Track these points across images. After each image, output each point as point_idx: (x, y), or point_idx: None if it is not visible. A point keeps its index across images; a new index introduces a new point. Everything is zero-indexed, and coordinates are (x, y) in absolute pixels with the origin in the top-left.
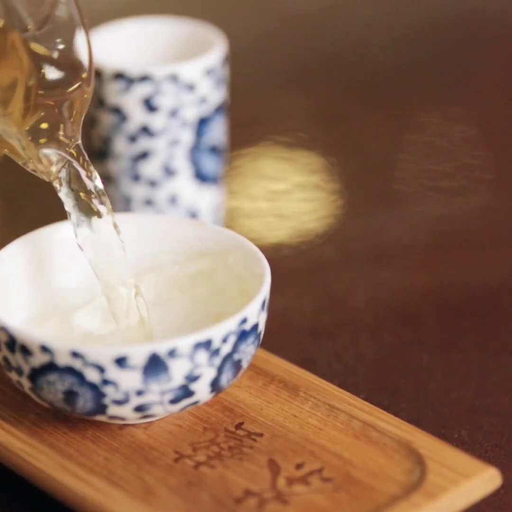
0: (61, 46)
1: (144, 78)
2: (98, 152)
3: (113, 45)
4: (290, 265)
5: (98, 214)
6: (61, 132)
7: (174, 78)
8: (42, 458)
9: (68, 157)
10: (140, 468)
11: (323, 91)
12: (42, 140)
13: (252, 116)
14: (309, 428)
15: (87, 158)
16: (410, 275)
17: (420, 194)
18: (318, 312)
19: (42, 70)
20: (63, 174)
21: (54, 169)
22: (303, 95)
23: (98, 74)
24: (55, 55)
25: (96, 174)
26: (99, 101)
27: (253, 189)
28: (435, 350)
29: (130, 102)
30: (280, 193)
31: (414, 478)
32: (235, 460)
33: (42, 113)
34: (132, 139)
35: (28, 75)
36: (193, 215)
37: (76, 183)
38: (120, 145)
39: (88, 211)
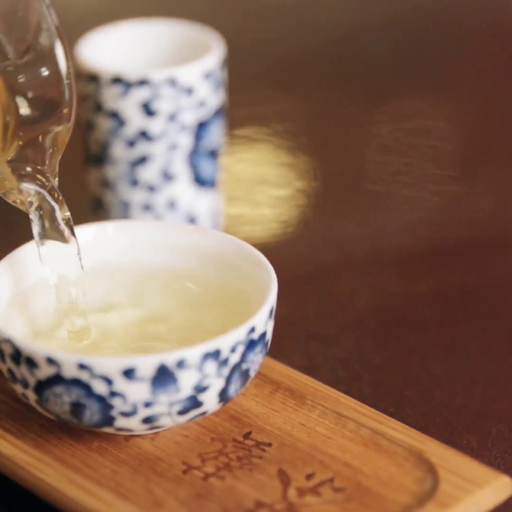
0: (42, 77)
1: (142, 82)
2: (95, 157)
3: (109, 48)
4: (292, 270)
5: (65, 247)
6: (39, 166)
7: (172, 82)
8: (48, 470)
9: (44, 192)
10: (148, 480)
11: (322, 93)
12: (22, 173)
13: (251, 119)
14: (317, 437)
15: (61, 196)
16: (412, 279)
17: (422, 199)
18: (321, 318)
19: (22, 102)
20: (37, 205)
21: (33, 200)
22: (301, 97)
23: (96, 78)
24: (36, 86)
25: (67, 212)
26: (96, 106)
27: (255, 195)
28: (439, 355)
29: (128, 106)
30: (282, 199)
31: (426, 487)
32: (244, 471)
33: (21, 146)
34: (130, 143)
35: (7, 107)
36: (192, 219)
37: (48, 217)
38: (118, 150)
39: (56, 244)
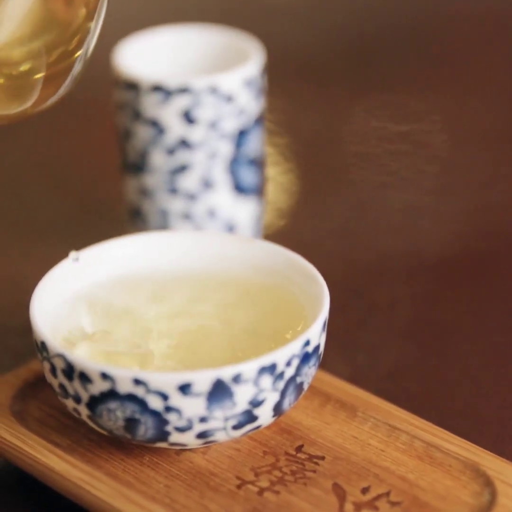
0: None
1: (183, 90)
2: (134, 165)
3: (147, 54)
4: (334, 279)
5: None
6: None
7: (213, 90)
8: (101, 486)
9: None
10: (203, 495)
11: (360, 101)
12: None
13: (288, 127)
14: (370, 450)
15: None
16: (454, 287)
17: (458, 208)
18: (365, 327)
19: None
20: None
21: None
22: (339, 106)
23: (135, 86)
24: None
25: None
26: (135, 114)
27: (298, 205)
28: (484, 364)
29: (169, 114)
30: (324, 209)
31: (484, 501)
32: (299, 485)
33: None
34: (170, 152)
35: None
36: (232, 228)
37: None
38: (158, 159)
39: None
